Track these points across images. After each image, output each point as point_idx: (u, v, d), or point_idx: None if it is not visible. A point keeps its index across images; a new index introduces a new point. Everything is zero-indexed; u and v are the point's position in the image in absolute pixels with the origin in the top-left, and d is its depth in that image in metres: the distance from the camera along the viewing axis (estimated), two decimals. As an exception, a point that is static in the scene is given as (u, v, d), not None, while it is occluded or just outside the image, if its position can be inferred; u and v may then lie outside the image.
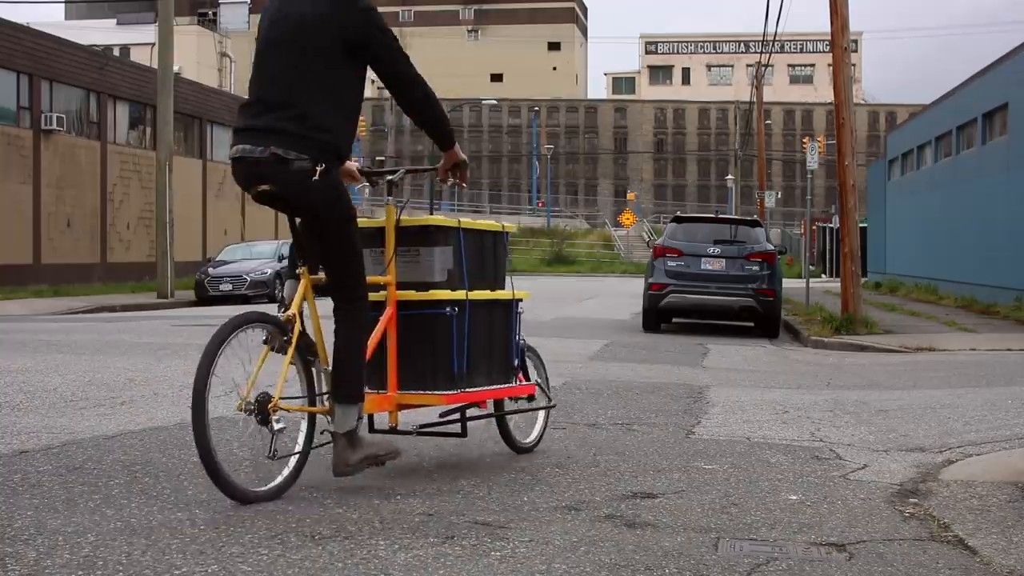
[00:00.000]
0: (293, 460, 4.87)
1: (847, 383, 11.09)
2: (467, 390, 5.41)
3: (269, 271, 29.41)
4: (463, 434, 5.66)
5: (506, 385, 5.77)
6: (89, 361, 10.39)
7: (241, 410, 4.66)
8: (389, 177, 5.40)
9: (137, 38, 78.73)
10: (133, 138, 39.31)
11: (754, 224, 19.79)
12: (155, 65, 32.03)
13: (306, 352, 4.92)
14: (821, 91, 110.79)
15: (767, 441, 6.93)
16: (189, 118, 42.17)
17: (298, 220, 4.89)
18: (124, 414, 7.23)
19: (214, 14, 72.81)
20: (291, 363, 4.83)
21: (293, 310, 4.83)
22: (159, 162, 28.45)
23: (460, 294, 5.38)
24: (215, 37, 75.42)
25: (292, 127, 4.64)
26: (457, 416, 5.59)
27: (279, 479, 4.81)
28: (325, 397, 4.96)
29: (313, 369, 4.97)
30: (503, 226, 5.93)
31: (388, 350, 5.23)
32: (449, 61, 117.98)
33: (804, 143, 30.63)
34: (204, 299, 28.49)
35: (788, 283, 24.83)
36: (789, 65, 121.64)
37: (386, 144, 56.76)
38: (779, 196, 65.60)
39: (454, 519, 4.57)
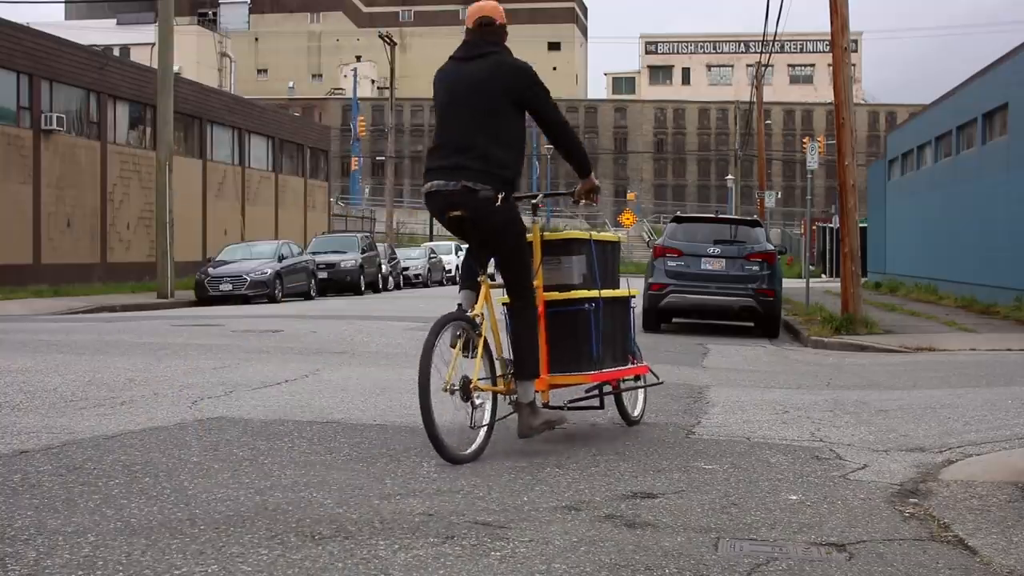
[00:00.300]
0: (484, 430, 5.98)
1: (847, 383, 11.09)
2: (602, 371, 6.64)
3: (269, 271, 29.40)
4: (600, 406, 7.12)
5: (627, 366, 7.04)
6: (89, 361, 10.39)
7: (446, 390, 5.70)
8: (533, 201, 6.43)
9: (137, 38, 78.74)
10: (133, 138, 39.31)
11: (754, 224, 19.78)
12: (155, 65, 32.03)
13: (488, 344, 6.00)
14: (821, 91, 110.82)
15: (767, 441, 6.93)
16: (189, 118, 42.17)
17: (471, 239, 6.08)
18: (124, 414, 7.23)
19: (214, 14, 72.81)
20: (482, 353, 5.88)
21: (479, 311, 5.99)
22: (159, 162, 28.44)
23: (594, 293, 6.57)
24: (215, 37, 75.44)
25: (477, 165, 5.86)
26: (595, 392, 7.02)
27: (476, 444, 5.91)
28: (501, 379, 6.13)
29: (493, 357, 6.10)
30: (619, 237, 7.23)
31: (539, 340, 6.27)
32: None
33: (804, 143, 30.63)
34: (204, 299, 28.48)
35: (788, 283, 24.83)
36: (789, 65, 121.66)
37: (386, 144, 56.82)
38: (779, 196, 65.63)
39: (454, 519, 4.57)
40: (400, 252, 44.48)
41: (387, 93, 62.67)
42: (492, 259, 6.20)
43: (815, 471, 5.95)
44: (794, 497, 5.25)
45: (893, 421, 7.88)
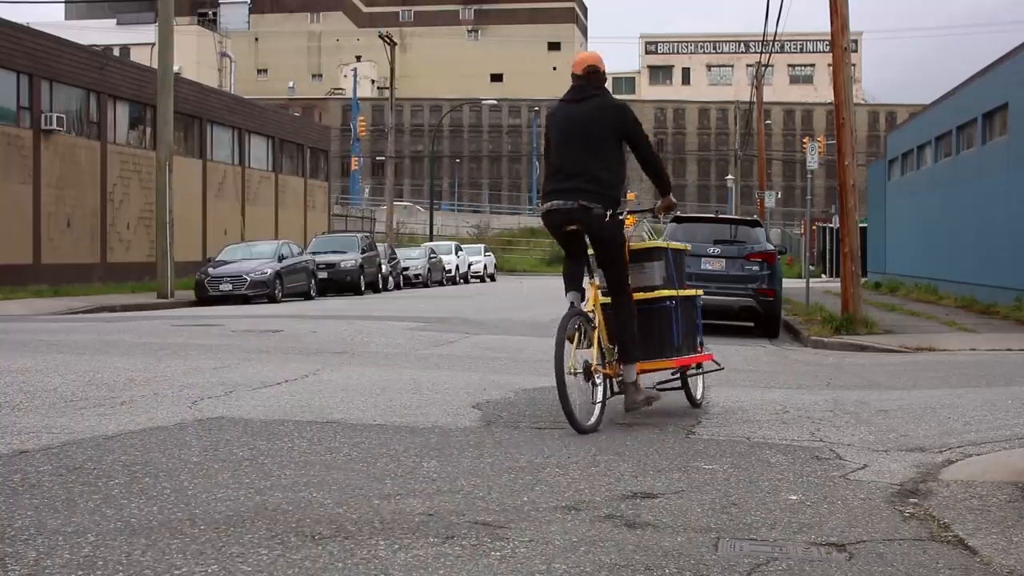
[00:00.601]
0: (599, 406, 7.15)
1: (847, 383, 11.08)
2: (682, 357, 7.85)
3: (269, 271, 29.39)
4: (683, 387, 8.27)
5: (698, 354, 8.21)
6: (89, 361, 10.38)
7: (571, 373, 6.84)
8: (620, 216, 7.42)
9: (137, 38, 78.73)
10: (133, 138, 39.31)
11: (754, 224, 19.78)
12: (155, 65, 32.02)
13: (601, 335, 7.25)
14: (821, 91, 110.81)
15: (767, 441, 6.93)
16: (189, 118, 42.17)
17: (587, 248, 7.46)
18: (124, 414, 7.23)
19: (214, 14, 72.80)
20: (596, 342, 7.08)
21: (591, 307, 7.29)
22: (159, 162, 28.43)
23: (674, 292, 7.81)
24: (215, 37, 75.43)
25: (590, 187, 7.15)
26: (678, 375, 8.23)
27: (594, 417, 7.07)
28: (608, 364, 7.31)
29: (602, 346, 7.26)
30: (685, 247, 8.45)
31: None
32: (449, 61, 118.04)
33: (804, 143, 30.63)
34: (204, 299, 28.47)
35: (788, 283, 24.83)
36: (789, 65, 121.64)
37: (386, 144, 56.85)
38: (779, 196, 65.63)
39: (454, 519, 4.57)
40: (400, 252, 44.47)
41: (387, 93, 62.69)
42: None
43: (815, 471, 5.94)
44: (794, 497, 5.25)
45: (893, 421, 7.88)
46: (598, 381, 7.11)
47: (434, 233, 65.11)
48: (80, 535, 4.14)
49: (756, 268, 18.44)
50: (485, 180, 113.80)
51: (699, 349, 8.29)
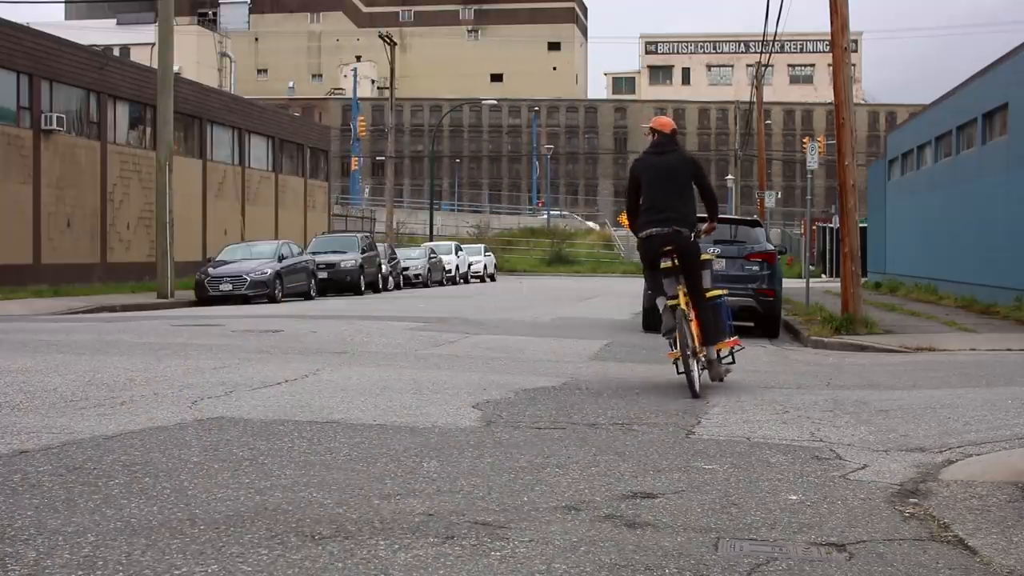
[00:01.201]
0: (698, 376, 9.24)
1: (847, 383, 11.08)
2: (731, 339, 10.10)
3: (269, 271, 29.39)
4: (732, 361, 10.23)
5: (733, 338, 10.22)
6: (89, 361, 10.39)
7: (688, 355, 9.16)
8: (696, 237, 9.82)
9: (137, 38, 78.74)
10: (133, 138, 39.30)
11: (754, 224, 19.77)
12: (155, 65, 32.01)
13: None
14: (821, 91, 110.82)
15: (767, 441, 6.93)
16: (189, 118, 42.17)
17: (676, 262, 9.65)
18: (124, 414, 7.23)
19: (214, 14, 72.79)
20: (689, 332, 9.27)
21: (683, 306, 9.41)
22: (159, 162, 28.43)
23: (721, 291, 10.39)
24: (215, 37, 75.42)
25: (678, 218, 9.56)
26: (729, 353, 10.21)
27: (697, 387, 9.12)
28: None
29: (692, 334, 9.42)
30: (714, 255, 11.31)
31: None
32: (449, 61, 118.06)
33: (804, 143, 30.64)
34: (204, 299, 28.46)
35: (788, 283, 24.83)
36: (789, 65, 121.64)
37: (386, 144, 56.88)
38: (779, 196, 65.66)
39: (454, 519, 4.57)
40: (400, 252, 44.45)
41: (387, 93, 62.68)
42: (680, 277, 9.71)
43: (815, 471, 5.94)
44: (794, 497, 5.25)
45: (893, 421, 7.88)
46: (701, 360, 9.41)
47: (434, 233, 65.09)
48: (80, 535, 4.14)
49: (756, 268, 18.43)
50: (485, 180, 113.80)
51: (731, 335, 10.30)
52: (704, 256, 10.10)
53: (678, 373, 9.49)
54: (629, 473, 5.74)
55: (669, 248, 9.47)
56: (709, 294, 9.88)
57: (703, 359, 9.52)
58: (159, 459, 5.70)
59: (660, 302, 9.62)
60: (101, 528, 4.25)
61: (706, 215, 10.54)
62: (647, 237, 9.57)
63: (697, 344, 9.30)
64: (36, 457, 5.66)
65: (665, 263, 9.57)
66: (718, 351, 9.90)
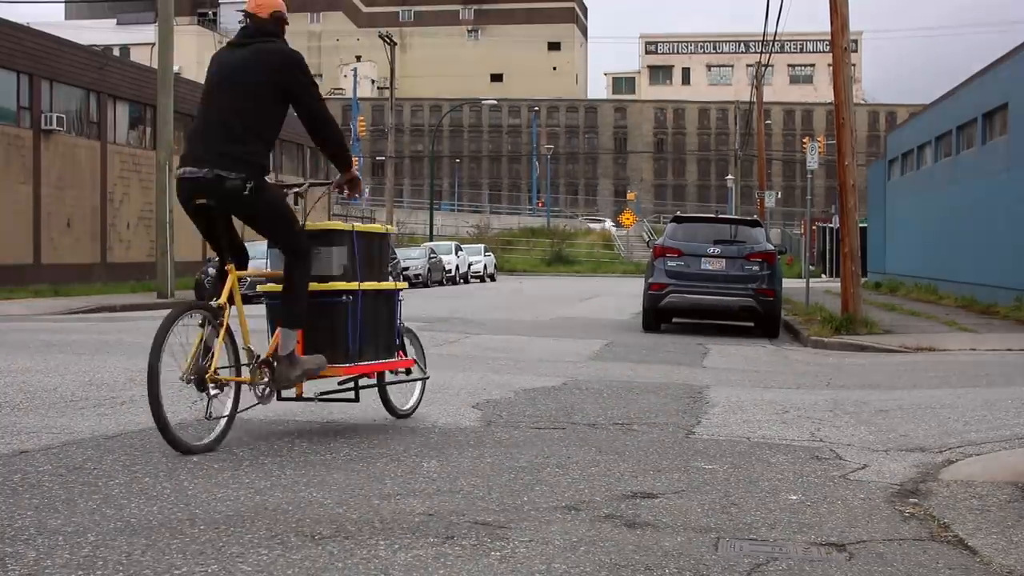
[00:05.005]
0: (224, 420, 6.02)
1: (847, 383, 11.08)
2: (359, 363, 6.61)
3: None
4: (355, 399, 6.95)
5: (393, 359, 7.00)
6: (89, 361, 10.38)
7: (183, 379, 5.84)
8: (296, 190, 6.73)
9: (137, 38, 78.80)
10: (133, 138, 39.30)
11: (754, 224, 19.77)
12: (155, 65, 32.01)
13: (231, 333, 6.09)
14: (821, 91, 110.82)
15: (767, 441, 6.93)
16: (189, 118, 42.08)
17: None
18: (124, 414, 7.23)
19: (214, 14, 72.85)
20: (222, 341, 5.99)
21: (223, 299, 6.09)
22: (159, 162, 28.43)
23: (354, 285, 6.58)
24: (215, 37, 75.46)
25: (222, 154, 6.00)
26: (351, 385, 6.86)
27: (213, 435, 5.94)
28: (244, 369, 6.14)
29: (239, 347, 6.11)
30: (387, 229, 7.22)
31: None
32: (449, 61, 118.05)
33: (804, 143, 30.63)
34: (204, 299, 28.46)
35: (788, 283, 24.82)
36: (789, 65, 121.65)
37: (386, 144, 56.90)
38: (779, 196, 65.63)
39: (454, 519, 4.57)
40: (400, 252, 44.43)
41: (387, 93, 62.67)
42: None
43: (815, 471, 5.94)
44: (794, 497, 5.25)
45: (893, 421, 7.88)
46: (214, 392, 6.02)
47: (434, 233, 65.08)
48: (80, 535, 4.14)
49: (756, 268, 18.43)
50: (485, 180, 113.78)
51: (400, 354, 7.12)
52: (326, 224, 6.77)
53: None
54: (629, 473, 5.74)
55: (203, 201, 5.97)
56: (323, 285, 6.46)
57: (257, 392, 6.23)
58: (159, 459, 5.70)
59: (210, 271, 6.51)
60: (101, 528, 4.25)
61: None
62: (178, 182, 6.09)
63: (217, 363, 5.92)
64: (36, 457, 5.66)
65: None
66: (358, 376, 6.72)
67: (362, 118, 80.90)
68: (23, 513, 4.46)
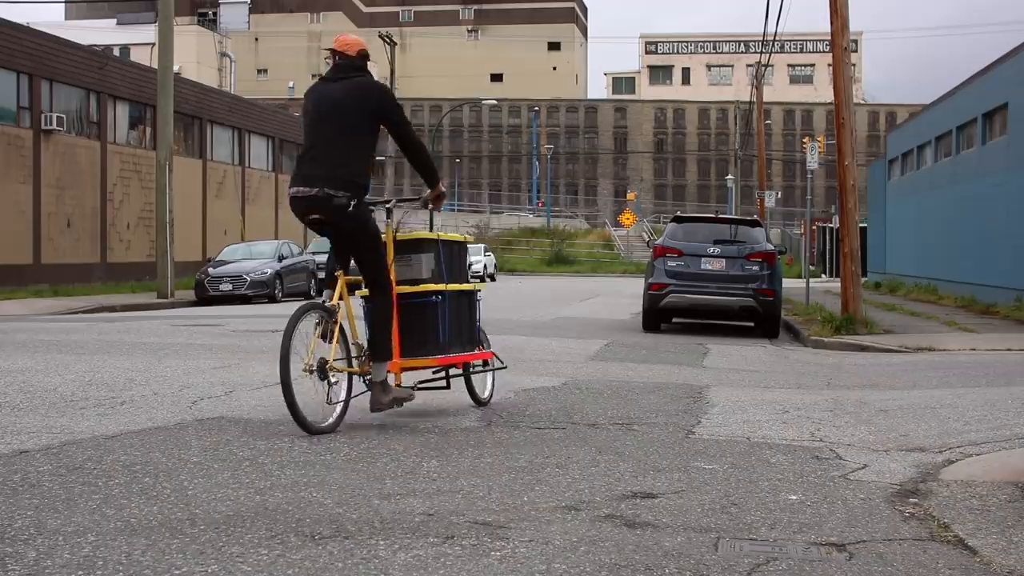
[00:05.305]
0: (340, 406, 6.78)
1: (847, 383, 11.08)
2: (448, 355, 7.43)
3: (269, 271, 29.39)
4: (447, 387, 7.84)
5: (475, 352, 7.86)
6: (89, 361, 10.39)
7: (306, 371, 6.43)
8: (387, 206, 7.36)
9: (137, 38, 78.76)
10: (133, 138, 39.30)
11: (754, 224, 19.77)
12: (155, 65, 32.01)
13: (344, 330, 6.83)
14: (821, 91, 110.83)
15: (767, 441, 6.93)
16: (189, 118, 42.16)
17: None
18: (124, 414, 7.23)
19: (214, 14, 72.81)
20: (337, 336, 6.69)
21: (334, 300, 6.85)
22: (159, 162, 28.43)
23: (441, 286, 7.34)
24: (215, 37, 75.40)
25: (330, 175, 6.81)
26: (443, 374, 7.78)
27: (333, 417, 6.70)
28: (355, 361, 6.92)
29: (349, 342, 6.92)
30: (464, 237, 7.99)
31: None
32: (449, 61, 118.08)
33: (804, 143, 30.63)
34: (204, 299, 28.47)
35: (788, 283, 24.83)
36: (789, 65, 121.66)
37: (386, 144, 56.89)
38: (779, 196, 65.64)
39: (454, 519, 4.57)
40: (400, 252, 44.41)
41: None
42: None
43: (815, 471, 5.94)
44: (794, 497, 5.25)
45: (893, 421, 7.88)
46: (334, 380, 6.69)
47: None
48: (80, 535, 4.14)
49: (756, 268, 18.43)
50: (485, 180, 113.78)
51: (480, 347, 7.96)
52: (416, 234, 7.48)
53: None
54: (629, 473, 5.74)
55: (316, 216, 6.78)
56: (417, 287, 7.26)
57: (364, 380, 7.00)
58: (159, 459, 5.70)
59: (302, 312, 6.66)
60: (101, 528, 4.25)
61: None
62: (291, 199, 6.87)
63: (334, 355, 6.61)
64: (36, 457, 5.66)
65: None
66: (449, 367, 7.60)
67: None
68: (23, 513, 4.46)
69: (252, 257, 30.90)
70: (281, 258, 30.62)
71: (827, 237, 58.14)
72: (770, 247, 18.92)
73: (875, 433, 7.33)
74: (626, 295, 31.48)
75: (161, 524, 4.34)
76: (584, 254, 76.33)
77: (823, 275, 55.65)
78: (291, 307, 26.67)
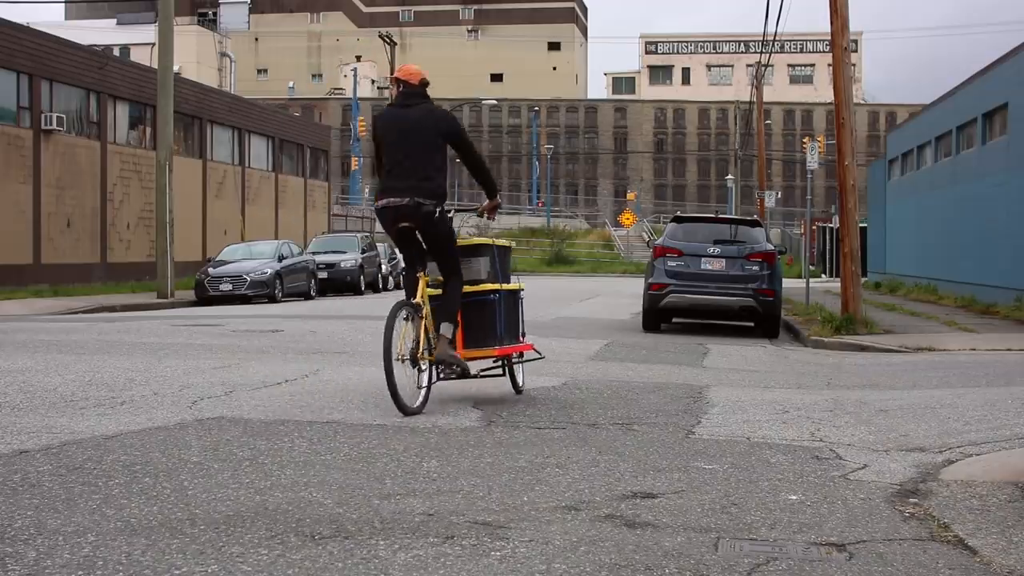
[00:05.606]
0: (424, 390, 7.65)
1: (847, 383, 11.08)
2: (504, 346, 8.34)
3: (269, 271, 29.38)
4: (503, 374, 8.77)
5: (519, 344, 8.74)
6: (89, 361, 10.39)
7: (399, 360, 7.35)
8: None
9: (137, 38, 78.78)
10: (133, 138, 39.29)
11: (754, 224, 19.77)
12: (155, 65, 32.01)
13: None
14: (821, 91, 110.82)
15: (767, 441, 6.93)
16: (189, 118, 42.15)
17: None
18: (124, 414, 7.23)
19: (214, 14, 72.81)
20: (423, 329, 7.60)
21: (419, 299, 7.75)
22: (159, 162, 28.43)
23: (498, 285, 8.37)
24: (215, 37, 75.43)
25: (418, 187, 7.93)
26: (500, 363, 8.73)
27: (420, 400, 7.56)
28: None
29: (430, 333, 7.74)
30: (509, 243, 9.06)
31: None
32: (449, 61, 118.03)
33: (804, 143, 30.63)
34: (204, 299, 28.47)
35: (788, 283, 24.83)
36: (789, 65, 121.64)
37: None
38: (779, 196, 65.64)
39: (454, 519, 4.57)
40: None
41: (387, 93, 62.63)
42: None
43: (815, 471, 5.94)
44: (794, 497, 5.25)
45: (893, 421, 7.88)
46: (424, 367, 7.66)
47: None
48: (80, 535, 4.14)
49: (756, 268, 18.42)
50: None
51: (521, 339, 8.85)
52: (475, 240, 8.64)
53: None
54: (629, 473, 5.74)
55: (406, 224, 7.84)
56: (476, 287, 8.25)
57: (437, 366, 7.77)
58: (159, 459, 5.70)
59: (397, 309, 7.60)
60: (101, 528, 4.25)
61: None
62: (382, 209, 7.92)
63: (422, 346, 7.57)
64: (36, 457, 5.66)
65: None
66: (495, 358, 8.56)
67: (362, 118, 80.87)
68: (23, 513, 4.46)
69: (252, 257, 30.90)
70: (281, 258, 30.62)
71: (827, 237, 58.13)
72: (770, 247, 18.92)
73: (875, 433, 7.33)
74: (626, 295, 31.49)
75: (161, 524, 4.34)
76: (584, 254, 76.32)
77: (823, 275, 55.64)
78: (291, 307, 26.55)
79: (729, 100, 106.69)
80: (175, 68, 32.41)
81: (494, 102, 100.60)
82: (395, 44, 54.69)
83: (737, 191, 67.75)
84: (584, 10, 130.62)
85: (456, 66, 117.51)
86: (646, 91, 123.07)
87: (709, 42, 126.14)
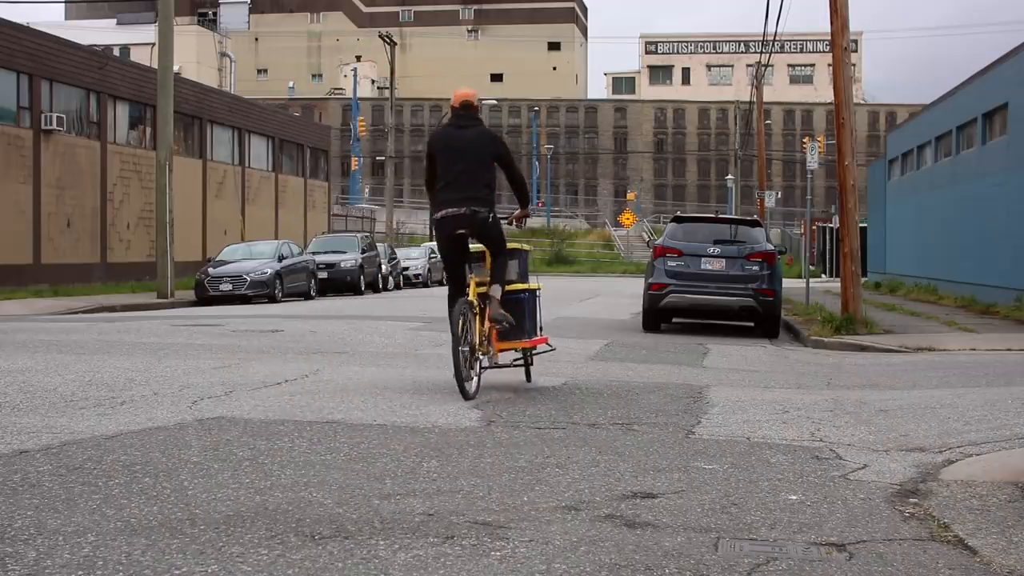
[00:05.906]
0: (478, 377, 8.65)
1: (847, 383, 11.08)
2: (531, 339, 9.44)
3: (269, 271, 29.38)
4: (531, 363, 9.79)
5: (539, 337, 9.62)
6: (89, 361, 10.39)
7: (464, 349, 8.30)
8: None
9: (137, 38, 78.80)
10: (133, 138, 39.29)
11: (754, 224, 19.76)
12: (155, 65, 32.01)
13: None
14: (821, 91, 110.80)
15: (767, 441, 6.93)
16: (189, 118, 42.14)
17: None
18: (124, 414, 7.23)
19: (214, 14, 72.82)
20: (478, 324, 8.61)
21: (471, 297, 8.67)
22: (159, 162, 28.42)
23: (527, 285, 9.47)
24: (215, 37, 75.44)
25: (475, 197, 8.86)
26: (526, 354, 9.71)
27: (475, 387, 8.52)
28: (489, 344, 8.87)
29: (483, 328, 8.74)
30: (530, 247, 10.02)
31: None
32: (449, 61, 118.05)
33: (804, 143, 30.64)
34: (204, 299, 28.46)
35: (788, 283, 24.83)
36: (789, 65, 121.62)
37: (386, 144, 56.90)
38: (779, 196, 65.64)
39: (454, 519, 4.57)
40: (400, 252, 44.42)
41: (387, 93, 62.65)
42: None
43: (815, 471, 5.94)
44: (794, 497, 5.25)
45: (893, 421, 7.88)
46: (481, 356, 8.75)
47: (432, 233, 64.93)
48: (80, 535, 4.14)
49: (756, 268, 18.42)
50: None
51: (539, 333, 9.74)
52: (513, 244, 9.49)
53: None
54: (629, 473, 5.74)
55: (463, 231, 8.82)
56: (511, 287, 9.24)
57: (487, 359, 8.90)
58: (159, 459, 5.70)
59: (460, 306, 8.50)
60: (101, 528, 4.25)
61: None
62: (441, 219, 8.80)
63: (479, 340, 8.61)
64: (36, 457, 5.66)
65: (475, 246, 9.10)
66: (519, 350, 9.56)
67: (362, 118, 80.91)
68: (23, 513, 4.46)
69: (252, 257, 30.89)
70: (281, 258, 30.61)
71: (827, 237, 58.14)
72: (770, 247, 18.91)
73: (875, 433, 7.33)
74: (626, 295, 31.48)
75: (161, 524, 4.34)
76: (584, 254, 76.33)
77: (823, 275, 55.64)
78: (291, 307, 26.57)
79: (729, 100, 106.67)
80: (175, 68, 32.41)
81: (494, 102, 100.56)
82: (395, 44, 54.67)
83: (737, 191, 67.75)
84: (584, 10, 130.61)
85: (456, 66, 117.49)
86: (646, 91, 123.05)
87: (709, 42, 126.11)
